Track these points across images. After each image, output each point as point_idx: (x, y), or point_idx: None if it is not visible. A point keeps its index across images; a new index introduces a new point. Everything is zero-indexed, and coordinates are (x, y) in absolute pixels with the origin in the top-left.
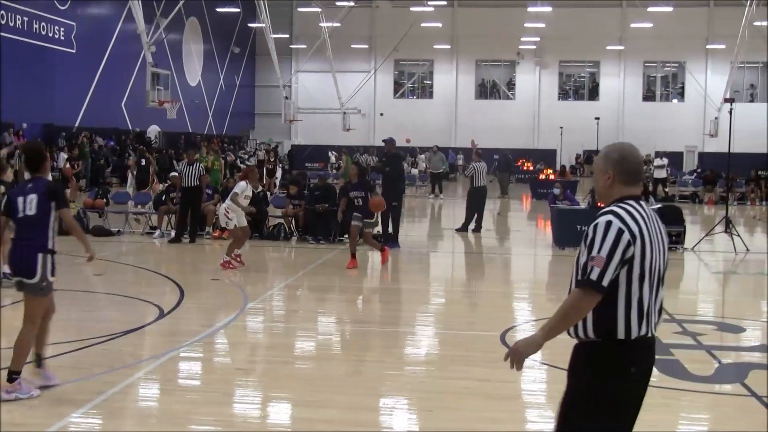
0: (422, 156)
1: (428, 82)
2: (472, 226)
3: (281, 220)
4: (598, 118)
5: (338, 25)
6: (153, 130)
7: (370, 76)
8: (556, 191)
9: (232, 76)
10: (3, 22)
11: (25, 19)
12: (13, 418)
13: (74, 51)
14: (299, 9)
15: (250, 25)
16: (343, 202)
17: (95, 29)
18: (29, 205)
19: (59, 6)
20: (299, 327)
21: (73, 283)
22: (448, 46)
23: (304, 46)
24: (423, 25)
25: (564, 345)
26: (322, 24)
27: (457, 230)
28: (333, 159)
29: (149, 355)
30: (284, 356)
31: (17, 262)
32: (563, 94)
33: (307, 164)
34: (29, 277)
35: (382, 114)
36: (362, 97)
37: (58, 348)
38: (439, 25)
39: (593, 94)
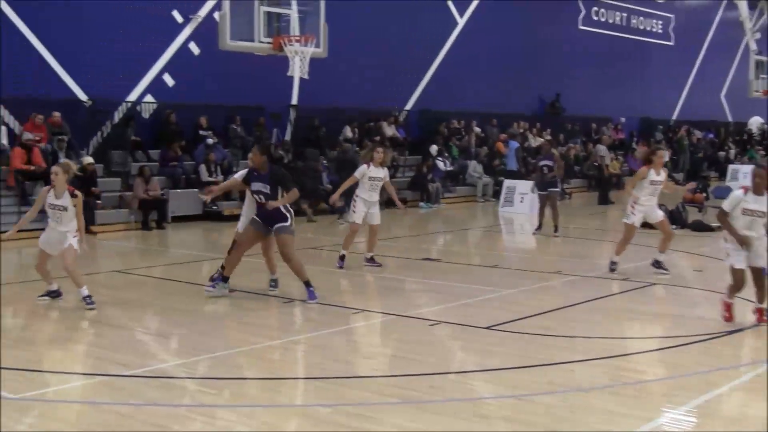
0: None
1: None
2: None
3: None
4: None
5: None
6: (755, 122)
7: None
8: None
9: None
10: (606, 20)
11: (624, 14)
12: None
13: (672, 43)
14: None
15: None
16: None
17: (693, 19)
18: None
19: None
20: None
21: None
22: None
23: None
24: None
25: None
26: None
27: None
28: None
29: (750, 359)
30: None
31: None
32: None
33: None
34: None
35: None
36: None
37: (666, 342)
38: None
39: None
